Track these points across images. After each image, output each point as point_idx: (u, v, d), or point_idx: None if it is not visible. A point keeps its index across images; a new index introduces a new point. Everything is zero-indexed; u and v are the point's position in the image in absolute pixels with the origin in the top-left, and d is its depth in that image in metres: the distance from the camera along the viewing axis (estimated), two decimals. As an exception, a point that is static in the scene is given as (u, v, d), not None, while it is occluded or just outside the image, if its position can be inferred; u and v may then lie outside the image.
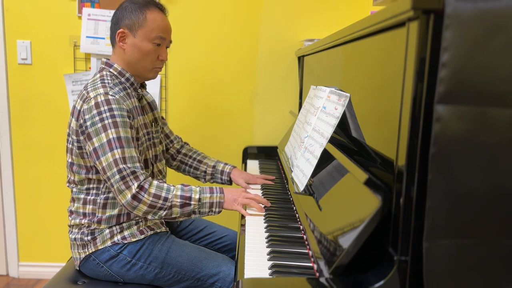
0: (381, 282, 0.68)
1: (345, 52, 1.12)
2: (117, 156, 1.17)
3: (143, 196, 1.17)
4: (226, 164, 1.61)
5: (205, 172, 1.62)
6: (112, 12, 2.00)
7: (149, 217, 1.21)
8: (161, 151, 1.48)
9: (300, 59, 1.98)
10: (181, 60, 2.07)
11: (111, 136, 1.18)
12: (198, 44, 2.08)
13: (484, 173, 0.62)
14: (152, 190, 1.18)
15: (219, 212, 1.26)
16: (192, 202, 1.22)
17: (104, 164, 1.17)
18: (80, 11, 2.03)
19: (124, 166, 1.17)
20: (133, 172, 1.18)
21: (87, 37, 2.02)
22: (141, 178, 1.18)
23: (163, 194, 1.20)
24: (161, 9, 1.34)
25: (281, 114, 2.13)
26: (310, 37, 2.04)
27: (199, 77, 2.11)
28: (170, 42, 1.38)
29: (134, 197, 1.16)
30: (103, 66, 1.33)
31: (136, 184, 1.17)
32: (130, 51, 1.30)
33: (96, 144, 1.18)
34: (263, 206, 1.28)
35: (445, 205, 0.63)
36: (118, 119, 1.20)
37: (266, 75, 2.10)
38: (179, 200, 1.21)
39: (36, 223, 2.22)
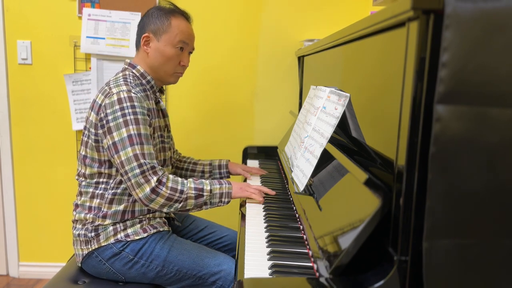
0: (381, 282, 0.68)
1: (345, 52, 1.12)
2: (137, 151, 1.20)
3: (162, 190, 1.21)
4: (220, 159, 1.69)
5: (202, 171, 1.68)
6: (113, 12, 2.01)
7: (165, 210, 1.25)
8: (169, 157, 1.50)
9: (300, 59, 1.98)
10: (181, 60, 2.06)
11: (132, 132, 1.21)
12: (198, 44, 2.07)
13: (484, 173, 0.62)
14: (169, 184, 1.23)
15: (228, 202, 1.32)
16: (205, 193, 1.27)
17: (123, 158, 1.20)
18: (80, 11, 2.03)
19: (144, 161, 1.20)
20: (153, 168, 1.22)
21: (87, 37, 2.02)
22: (160, 173, 1.23)
23: (179, 187, 1.24)
24: (186, 16, 1.40)
25: (281, 114, 2.13)
26: (310, 37, 2.04)
27: (199, 77, 2.11)
28: (193, 49, 1.43)
29: (153, 190, 1.20)
30: (126, 66, 1.37)
31: (155, 178, 1.21)
32: (153, 54, 1.34)
33: (116, 138, 1.21)
34: (261, 202, 1.33)
35: (445, 205, 0.63)
36: (139, 116, 1.23)
37: (266, 75, 2.10)
38: (193, 192, 1.26)
39: (36, 223, 2.22)
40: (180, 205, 1.25)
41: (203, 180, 1.31)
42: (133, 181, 1.20)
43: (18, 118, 2.13)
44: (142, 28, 1.37)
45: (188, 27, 1.39)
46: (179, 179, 1.27)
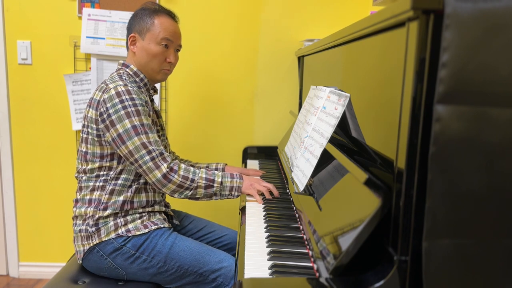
0: (381, 282, 0.68)
1: (345, 52, 1.12)
2: (144, 140, 1.26)
3: (173, 177, 1.28)
4: (217, 163, 1.71)
5: None
6: (112, 12, 2.01)
7: (176, 196, 1.31)
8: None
9: (300, 59, 1.98)
10: (181, 60, 2.06)
11: (136, 123, 1.26)
12: (198, 44, 2.08)
13: (484, 173, 0.62)
14: (181, 172, 1.29)
15: (237, 196, 1.37)
16: (215, 185, 1.33)
17: (131, 148, 1.25)
18: (80, 11, 2.03)
19: (153, 147, 1.27)
20: (161, 154, 1.28)
21: (87, 37, 2.02)
22: (169, 159, 1.29)
23: (191, 176, 1.30)
24: (171, 15, 1.43)
25: (281, 114, 2.13)
26: (310, 37, 2.04)
27: (199, 77, 2.11)
28: (180, 46, 1.46)
29: (165, 176, 1.27)
30: (120, 66, 1.42)
31: (165, 165, 1.27)
32: (139, 53, 1.39)
33: (121, 130, 1.25)
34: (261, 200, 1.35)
35: (445, 205, 0.63)
36: (140, 108, 1.28)
37: (266, 75, 2.10)
38: (204, 182, 1.32)
39: (36, 223, 2.22)
40: (190, 192, 1.31)
41: (215, 171, 1.36)
42: (144, 167, 1.26)
43: (18, 118, 2.13)
44: (129, 29, 1.43)
45: (172, 25, 1.41)
46: (191, 168, 1.33)
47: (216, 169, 1.68)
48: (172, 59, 1.42)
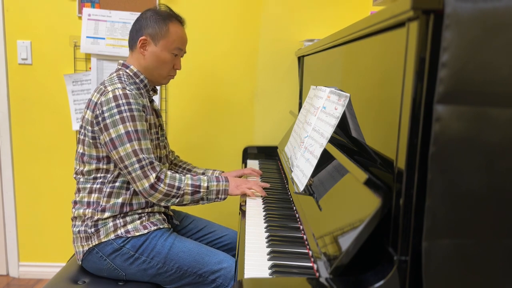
0: (381, 282, 0.68)
1: (345, 52, 1.12)
2: (136, 147, 1.25)
3: (160, 186, 1.28)
4: (214, 170, 1.68)
5: None
6: (112, 12, 2.01)
7: (162, 203, 1.32)
8: (165, 155, 1.52)
9: (300, 59, 1.98)
10: (181, 60, 2.06)
11: (129, 129, 1.25)
12: (198, 44, 2.08)
13: (484, 173, 0.62)
14: (167, 181, 1.29)
15: (224, 198, 1.38)
16: (201, 190, 1.34)
17: (122, 154, 1.24)
18: (80, 11, 2.03)
19: (143, 156, 1.26)
20: (151, 163, 1.27)
21: (87, 37, 2.02)
22: (157, 169, 1.29)
23: (177, 184, 1.30)
24: (181, 22, 1.44)
25: (281, 114, 2.13)
26: (310, 37, 2.04)
27: (199, 77, 2.11)
28: (185, 52, 1.48)
29: (152, 186, 1.27)
30: (120, 67, 1.41)
31: (154, 175, 1.27)
32: (149, 58, 1.39)
33: (114, 135, 1.25)
34: (262, 196, 1.38)
35: (445, 205, 0.63)
36: (135, 113, 1.27)
37: (266, 75, 2.10)
38: (190, 188, 1.32)
39: (36, 223, 2.22)
40: (177, 200, 1.32)
41: (200, 176, 1.36)
42: (133, 175, 1.26)
43: (18, 118, 2.13)
44: (139, 30, 1.39)
45: (184, 33, 1.43)
46: (177, 175, 1.32)
47: None
48: (179, 66, 1.44)
